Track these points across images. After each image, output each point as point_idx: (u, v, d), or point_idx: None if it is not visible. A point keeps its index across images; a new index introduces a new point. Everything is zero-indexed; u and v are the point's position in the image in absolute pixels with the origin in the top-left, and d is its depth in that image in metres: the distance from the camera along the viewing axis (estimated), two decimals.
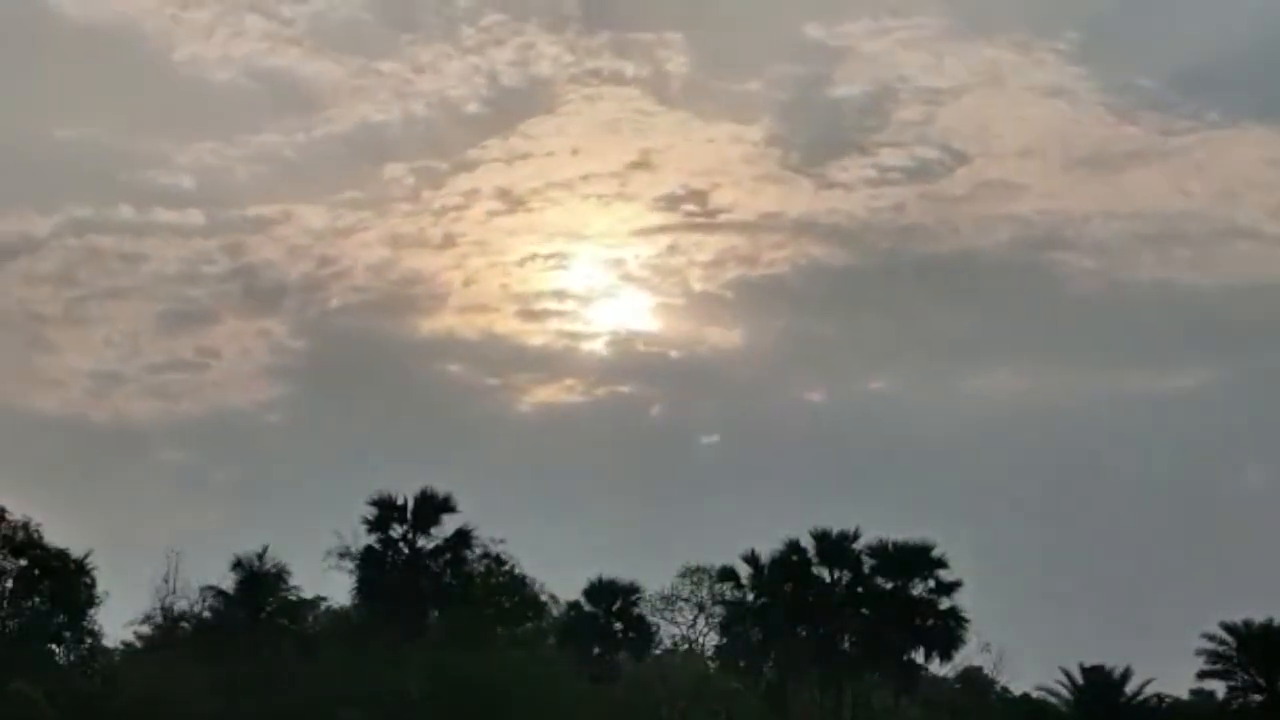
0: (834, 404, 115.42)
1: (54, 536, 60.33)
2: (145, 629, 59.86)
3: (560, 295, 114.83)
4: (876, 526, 65.82)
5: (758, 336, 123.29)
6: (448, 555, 63.70)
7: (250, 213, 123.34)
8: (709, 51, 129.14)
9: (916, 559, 65.94)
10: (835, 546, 66.09)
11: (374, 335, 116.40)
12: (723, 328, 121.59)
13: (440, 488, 64.73)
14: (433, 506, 63.63)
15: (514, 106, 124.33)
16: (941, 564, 65.87)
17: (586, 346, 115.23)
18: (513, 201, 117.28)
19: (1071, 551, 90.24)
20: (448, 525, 64.39)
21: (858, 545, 65.63)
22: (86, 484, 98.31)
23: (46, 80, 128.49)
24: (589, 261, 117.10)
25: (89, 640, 58.12)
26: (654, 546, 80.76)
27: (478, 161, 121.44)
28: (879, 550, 65.73)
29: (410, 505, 63.33)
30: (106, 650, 58.95)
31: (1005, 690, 71.01)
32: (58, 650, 57.17)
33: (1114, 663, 68.61)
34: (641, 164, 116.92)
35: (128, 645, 60.46)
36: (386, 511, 63.31)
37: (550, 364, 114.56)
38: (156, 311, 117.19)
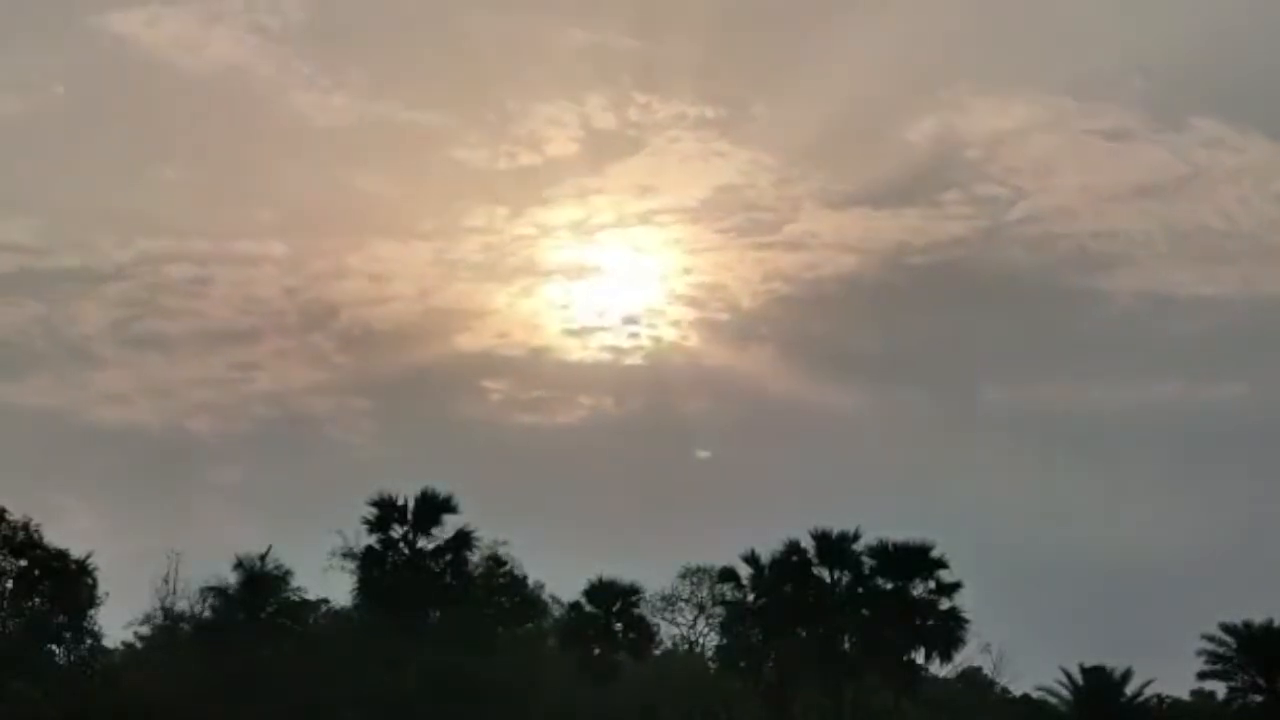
0: (862, 412, 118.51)
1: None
2: (145, 629, 59.59)
3: (605, 313, 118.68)
4: (890, 531, 66.14)
5: (797, 351, 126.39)
6: (448, 556, 63.58)
7: (327, 244, 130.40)
8: (788, 96, 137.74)
9: (917, 559, 66.19)
10: (835, 547, 66.28)
11: (423, 351, 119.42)
12: (765, 343, 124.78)
13: (443, 489, 65.15)
14: (433, 507, 63.44)
15: (600, 149, 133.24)
16: (942, 564, 66.09)
17: (628, 361, 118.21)
18: (582, 232, 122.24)
19: (1076, 553, 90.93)
20: (449, 526, 64.64)
21: (858, 546, 65.93)
22: (140, 493, 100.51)
23: (154, 126, 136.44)
24: (642, 281, 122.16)
25: (89, 641, 57.88)
26: (675, 549, 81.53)
27: (555, 198, 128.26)
28: (879, 551, 65.83)
29: (411, 506, 63.21)
30: (107, 650, 58.71)
31: (1005, 690, 71.22)
32: (58, 651, 56.88)
33: (1114, 663, 69.14)
34: (710, 199, 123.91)
35: (128, 646, 60.25)
36: (387, 512, 63.14)
37: (591, 378, 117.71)
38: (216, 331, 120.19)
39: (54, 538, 70.01)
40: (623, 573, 68.69)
